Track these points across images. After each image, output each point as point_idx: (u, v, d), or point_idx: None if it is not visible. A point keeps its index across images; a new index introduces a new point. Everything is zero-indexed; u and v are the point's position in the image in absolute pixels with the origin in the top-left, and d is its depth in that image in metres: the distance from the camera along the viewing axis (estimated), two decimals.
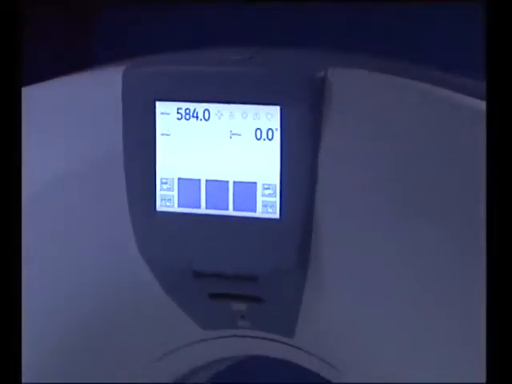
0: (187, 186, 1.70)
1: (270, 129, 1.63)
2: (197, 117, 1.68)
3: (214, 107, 1.67)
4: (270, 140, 1.64)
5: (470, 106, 1.63)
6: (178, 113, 1.69)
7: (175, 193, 1.71)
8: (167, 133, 1.70)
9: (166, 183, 1.71)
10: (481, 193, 1.58)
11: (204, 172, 1.70)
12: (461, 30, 3.63)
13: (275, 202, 1.64)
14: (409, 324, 1.66)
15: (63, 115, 1.85)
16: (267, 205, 1.66)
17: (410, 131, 1.63)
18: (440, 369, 1.70)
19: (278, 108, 1.61)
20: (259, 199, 1.66)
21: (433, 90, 1.64)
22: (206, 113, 1.68)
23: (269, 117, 1.63)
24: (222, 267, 1.72)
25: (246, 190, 1.67)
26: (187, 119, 1.69)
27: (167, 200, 1.72)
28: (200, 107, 1.68)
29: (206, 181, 1.69)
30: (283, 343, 1.78)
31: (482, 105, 1.61)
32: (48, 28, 3.47)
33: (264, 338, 1.81)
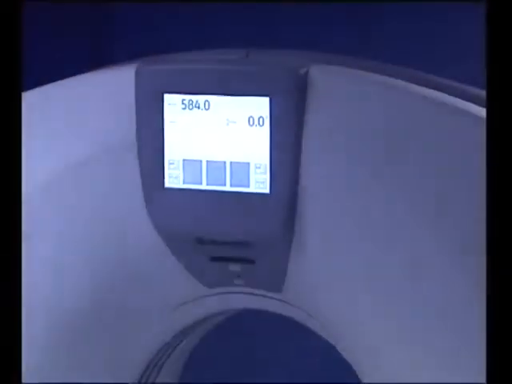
0: (191, 166, 1.81)
1: (261, 117, 1.74)
2: (199, 107, 1.79)
3: (213, 99, 1.78)
4: (260, 126, 1.75)
5: (433, 100, 1.74)
6: (182, 103, 1.80)
7: (180, 172, 1.82)
8: (174, 121, 1.81)
9: (172, 164, 1.82)
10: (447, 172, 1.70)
11: (205, 154, 1.80)
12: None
13: (266, 179, 1.75)
14: (382, 277, 1.75)
15: (85, 108, 1.94)
16: (259, 181, 1.77)
17: (379, 118, 1.74)
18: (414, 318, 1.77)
19: (267, 99, 1.72)
20: (252, 177, 1.77)
21: (400, 83, 1.76)
22: (207, 103, 1.79)
23: (260, 106, 1.74)
24: (220, 234, 1.84)
25: (241, 169, 1.79)
26: (190, 109, 1.80)
27: (174, 178, 1.83)
28: (201, 99, 1.78)
29: (207, 161, 1.80)
30: (272, 298, 1.89)
31: (444, 97, 1.75)
32: (73, 30, 3.57)
33: (256, 294, 1.92)
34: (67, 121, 1.96)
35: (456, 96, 1.82)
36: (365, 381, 1.90)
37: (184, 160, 1.82)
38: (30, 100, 2.04)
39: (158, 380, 2.24)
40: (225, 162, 1.80)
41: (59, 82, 2.03)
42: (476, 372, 1.68)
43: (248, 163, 1.78)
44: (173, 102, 1.81)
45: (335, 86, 1.76)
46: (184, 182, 1.83)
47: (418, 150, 1.75)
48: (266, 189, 1.77)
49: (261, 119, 1.76)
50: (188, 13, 3.31)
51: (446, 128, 1.75)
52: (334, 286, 1.80)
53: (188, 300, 1.99)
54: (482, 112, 1.78)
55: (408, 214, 1.74)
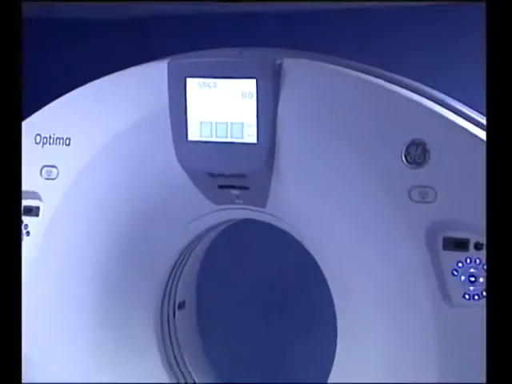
0: (204, 125, 2.11)
1: (250, 92, 2.04)
2: (209, 86, 2.09)
3: (219, 81, 2.08)
4: (250, 99, 2.05)
5: (368, 82, 2.01)
6: (198, 84, 2.09)
7: (198, 129, 2.11)
8: (193, 96, 2.10)
9: (192, 124, 2.11)
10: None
11: (214, 117, 2.09)
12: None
13: (254, 133, 2.05)
14: (333, 194, 2.02)
15: (136, 89, 2.21)
16: (249, 135, 2.06)
17: (330, 94, 2.02)
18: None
19: (254, 80, 2.03)
20: (245, 132, 2.07)
21: (347, 71, 2.03)
22: (215, 84, 2.08)
23: (249, 85, 2.04)
24: (224, 170, 2.12)
25: (237, 126, 2.08)
26: (204, 88, 2.09)
27: (194, 133, 2.12)
28: (211, 81, 2.08)
29: (216, 122, 2.09)
30: (259, 211, 2.19)
31: (378, 81, 2.01)
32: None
33: (249, 209, 2.21)
34: (126, 97, 2.22)
35: (401, 86, 2.03)
36: (324, 267, 2.13)
37: (201, 122, 2.11)
38: (104, 84, 2.27)
39: (183, 273, 2.46)
40: (227, 123, 2.09)
41: (123, 71, 2.25)
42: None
43: (242, 123, 2.07)
44: (192, 84, 2.10)
45: (300, 72, 2.04)
46: (200, 136, 2.12)
47: (356, 119, 1.99)
48: (254, 140, 2.06)
49: (250, 94, 2.06)
50: (199, 25, 3.49)
51: (375, 101, 2.00)
52: (300, 202, 2.09)
53: (204, 213, 2.26)
54: (411, 95, 1.99)
55: (349, 159, 1.99)
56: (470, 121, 2.00)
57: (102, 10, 3.77)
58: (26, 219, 2.36)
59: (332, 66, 2.06)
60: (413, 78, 2.10)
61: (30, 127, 2.37)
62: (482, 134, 1.96)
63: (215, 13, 3.57)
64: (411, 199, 1.93)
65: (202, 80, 2.11)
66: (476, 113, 2.04)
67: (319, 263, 2.15)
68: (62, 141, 2.31)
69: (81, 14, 3.98)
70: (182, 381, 2.38)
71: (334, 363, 2.15)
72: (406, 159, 1.95)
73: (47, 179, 2.32)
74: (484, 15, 1.43)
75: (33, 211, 2.35)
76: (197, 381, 2.43)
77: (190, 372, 2.43)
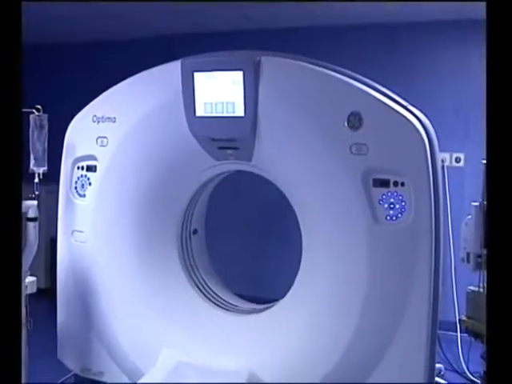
0: (208, 105, 2.21)
1: (239, 80, 2.15)
2: (211, 77, 2.20)
3: (217, 73, 2.19)
4: (239, 85, 2.16)
5: (326, 75, 2.09)
6: (203, 76, 2.20)
7: (203, 108, 2.22)
8: (199, 85, 2.21)
9: (199, 104, 2.22)
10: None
11: (214, 99, 2.19)
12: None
13: (242, 109, 2.16)
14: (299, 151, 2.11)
15: (156, 82, 2.31)
16: (239, 110, 2.17)
17: (299, 83, 2.11)
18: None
19: (241, 72, 2.15)
20: (236, 108, 2.17)
21: (313, 67, 2.12)
22: (214, 75, 2.19)
23: (238, 76, 2.16)
24: (222, 136, 2.23)
25: (231, 105, 2.17)
26: (207, 78, 2.21)
27: (200, 110, 2.22)
28: (211, 73, 2.20)
29: (215, 102, 2.18)
30: (247, 164, 2.29)
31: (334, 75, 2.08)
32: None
33: (239, 163, 2.30)
34: (152, 87, 2.31)
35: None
36: (292, 202, 2.21)
37: (204, 102, 2.22)
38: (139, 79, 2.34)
39: (195, 209, 2.55)
40: (223, 102, 2.19)
41: (150, 70, 2.34)
42: None
43: (233, 102, 2.18)
44: (198, 76, 2.21)
45: (273, 66, 2.14)
46: (205, 113, 2.22)
47: (314, 99, 2.09)
48: (242, 114, 2.17)
49: (238, 81, 2.16)
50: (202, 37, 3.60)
51: (327, 86, 2.11)
52: (275, 157, 2.18)
53: (209, 167, 2.36)
54: (352, 82, 2.08)
55: (308, 126, 2.09)
56: (393, 100, 2.09)
57: (127, 30, 3.83)
58: (88, 174, 2.46)
59: (297, 62, 2.15)
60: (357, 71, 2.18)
61: (88, 111, 2.49)
62: (400, 109, 2.04)
63: (218, 31, 3.67)
64: (351, 152, 2.05)
65: (205, 73, 2.21)
66: (399, 97, 2.12)
67: (288, 198, 2.25)
68: (109, 119, 2.42)
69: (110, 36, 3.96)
70: (196, 281, 2.47)
71: (300, 268, 2.24)
72: (348, 124, 2.06)
73: (101, 146, 2.42)
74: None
75: (92, 168, 2.46)
76: (206, 280, 2.53)
77: (201, 275, 2.53)
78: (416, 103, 2.16)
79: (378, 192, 2.04)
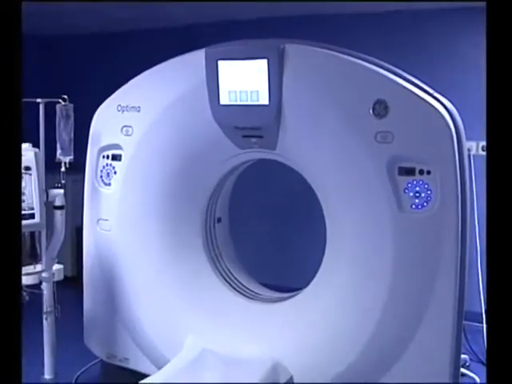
0: (232, 93, 2.20)
1: (264, 68, 2.14)
2: (235, 66, 2.18)
3: (241, 61, 2.17)
4: (263, 73, 2.14)
5: (353, 63, 2.07)
6: (227, 64, 2.19)
7: (227, 96, 2.21)
8: (223, 72, 2.20)
9: (223, 93, 2.20)
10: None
11: (238, 87, 2.18)
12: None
13: (266, 98, 2.15)
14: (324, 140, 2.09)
15: (182, 70, 2.30)
16: (263, 98, 2.16)
17: (321, 70, 2.10)
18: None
19: (266, 60, 2.13)
20: (260, 97, 2.16)
21: (338, 54, 2.09)
22: (238, 63, 2.17)
23: (262, 64, 2.14)
24: (246, 124, 2.22)
25: (255, 93, 2.15)
26: (231, 66, 2.19)
27: (224, 99, 2.21)
28: (236, 61, 2.18)
29: (240, 91, 2.18)
30: (271, 153, 2.28)
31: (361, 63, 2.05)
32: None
33: (263, 152, 2.30)
34: (177, 76, 2.31)
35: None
36: (316, 189, 2.19)
37: (229, 90, 2.21)
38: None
39: (219, 198, 2.54)
40: (247, 91, 2.18)
41: (174, 59, 2.34)
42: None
43: (258, 90, 2.17)
44: (222, 64, 2.20)
45: (297, 54, 2.12)
46: (229, 101, 2.21)
47: (339, 87, 2.07)
48: (267, 102, 2.16)
49: (263, 69, 2.14)
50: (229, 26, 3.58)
51: (352, 73, 2.08)
52: (299, 145, 2.17)
53: (233, 155, 2.36)
54: (379, 70, 2.05)
55: (333, 115, 2.07)
56: (419, 88, 2.05)
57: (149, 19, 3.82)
58: (113, 163, 2.48)
59: (322, 49, 2.13)
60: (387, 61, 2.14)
61: (113, 100, 2.50)
62: (426, 97, 2.01)
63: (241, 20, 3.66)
64: (376, 141, 2.02)
65: (229, 61, 2.20)
66: (425, 84, 2.08)
67: (312, 186, 2.24)
68: (134, 108, 2.42)
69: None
70: (220, 270, 2.48)
71: (324, 256, 2.23)
72: (373, 112, 2.03)
73: (126, 135, 2.44)
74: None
75: (117, 157, 2.47)
76: (230, 269, 2.53)
77: (225, 264, 2.54)
78: (443, 91, 2.12)
79: (404, 180, 2.02)
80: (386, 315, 2.03)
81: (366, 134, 2.04)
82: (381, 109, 2.03)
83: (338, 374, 2.10)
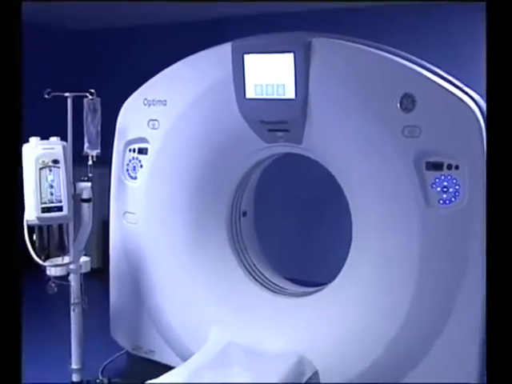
0: (258, 87, 2.20)
1: (290, 62, 2.13)
2: (261, 59, 2.18)
3: (268, 55, 2.17)
4: (289, 67, 2.13)
5: (381, 56, 2.05)
6: (253, 58, 2.19)
7: (253, 90, 2.21)
8: (249, 66, 2.20)
9: (249, 86, 2.21)
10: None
11: (264, 80, 2.19)
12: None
13: (293, 91, 2.14)
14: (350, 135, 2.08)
15: (210, 63, 2.30)
16: (289, 92, 2.15)
17: (347, 63, 2.08)
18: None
19: (292, 54, 2.12)
20: (286, 90, 2.15)
21: (364, 48, 2.08)
22: (265, 57, 2.18)
23: (289, 58, 2.13)
24: (272, 118, 2.22)
25: (281, 87, 2.16)
26: (257, 60, 2.19)
27: (250, 92, 2.22)
28: (262, 55, 2.18)
29: (266, 84, 2.18)
30: (297, 147, 2.28)
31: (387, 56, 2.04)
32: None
33: (289, 146, 2.29)
34: (203, 69, 2.31)
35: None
36: (342, 183, 2.18)
37: (255, 84, 2.21)
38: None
39: (245, 191, 2.55)
40: (273, 84, 2.18)
41: (200, 53, 2.35)
42: None
43: (284, 84, 2.16)
44: (249, 58, 2.20)
45: (324, 47, 2.12)
46: (255, 94, 2.21)
47: (366, 80, 2.05)
48: (293, 96, 2.15)
49: (289, 63, 2.13)
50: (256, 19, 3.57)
51: (379, 67, 2.06)
52: (326, 139, 2.16)
53: (258, 149, 2.36)
54: (406, 63, 2.04)
55: (360, 108, 2.06)
56: (448, 82, 2.04)
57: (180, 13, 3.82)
58: (139, 156, 2.49)
59: (348, 43, 2.12)
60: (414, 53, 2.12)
61: (140, 94, 2.51)
62: (455, 91, 2.00)
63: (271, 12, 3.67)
64: (404, 135, 2.00)
65: (255, 55, 2.20)
66: (453, 78, 2.07)
67: (338, 181, 2.23)
68: (160, 102, 2.43)
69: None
70: (245, 263, 2.49)
71: (350, 251, 2.22)
72: (400, 107, 2.01)
73: (152, 129, 2.45)
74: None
75: (143, 151, 2.49)
76: (255, 263, 2.54)
77: (250, 257, 2.54)
78: (473, 86, 2.10)
79: (431, 175, 2.00)
80: (412, 311, 2.01)
81: (393, 129, 2.02)
82: (408, 103, 2.01)
83: (364, 370, 2.09)
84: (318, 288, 2.38)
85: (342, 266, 2.26)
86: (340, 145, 2.14)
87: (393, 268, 2.05)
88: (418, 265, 2.00)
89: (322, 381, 2.16)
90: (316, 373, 2.16)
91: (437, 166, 2.00)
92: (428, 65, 2.09)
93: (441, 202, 1.99)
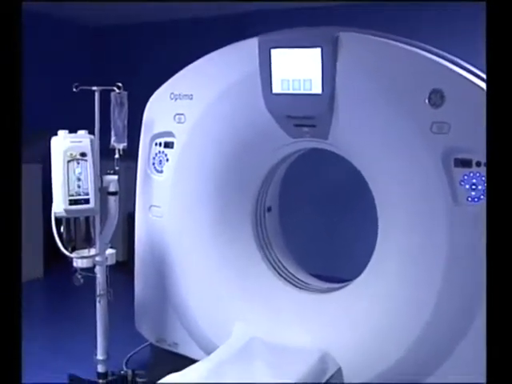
0: (284, 82, 2.19)
1: (317, 57, 2.12)
2: (288, 54, 2.17)
3: (295, 50, 2.16)
4: (317, 62, 2.12)
5: (407, 50, 2.03)
6: (280, 53, 2.18)
7: (280, 85, 2.19)
8: (276, 61, 2.19)
9: (276, 81, 2.19)
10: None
11: (291, 75, 2.17)
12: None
13: (319, 87, 2.13)
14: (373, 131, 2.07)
15: (235, 58, 2.29)
16: (316, 87, 2.14)
17: (374, 58, 2.06)
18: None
19: (319, 49, 2.11)
20: (313, 85, 2.14)
21: (392, 43, 2.06)
22: (291, 52, 2.16)
23: (316, 52, 2.12)
24: (298, 113, 2.20)
25: (307, 82, 2.15)
26: (283, 54, 2.17)
27: (276, 87, 2.20)
28: (289, 50, 2.17)
29: (292, 79, 2.16)
30: (323, 142, 2.27)
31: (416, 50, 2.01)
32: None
33: (315, 141, 2.28)
34: (229, 64, 2.31)
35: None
36: (368, 179, 2.17)
37: (281, 79, 2.20)
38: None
39: (270, 187, 2.55)
40: (300, 79, 2.17)
41: (227, 47, 2.35)
42: None
43: (311, 79, 2.14)
44: (275, 53, 2.19)
45: (352, 42, 2.10)
46: (282, 89, 2.20)
47: (394, 76, 2.04)
48: (319, 91, 2.14)
49: (316, 58, 2.12)
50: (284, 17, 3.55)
51: (408, 62, 2.03)
52: (352, 135, 2.15)
53: (284, 144, 2.35)
54: (435, 58, 2.00)
55: (389, 104, 2.03)
56: (478, 77, 1.99)
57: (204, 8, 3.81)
58: (166, 150, 2.50)
59: (376, 38, 2.10)
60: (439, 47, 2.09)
61: (166, 89, 2.52)
62: (484, 86, 1.94)
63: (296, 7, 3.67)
64: (432, 131, 1.98)
65: (282, 50, 2.18)
66: (482, 73, 2.00)
67: (365, 176, 2.21)
68: (187, 96, 2.44)
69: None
70: (270, 259, 2.49)
71: (376, 248, 2.20)
72: (429, 102, 1.99)
73: (178, 123, 2.46)
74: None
75: (170, 145, 2.50)
76: (280, 258, 2.53)
77: (275, 253, 2.55)
78: None
79: (460, 172, 1.97)
80: (438, 310, 1.99)
81: (422, 125, 1.99)
82: (437, 98, 1.99)
83: (387, 369, 2.07)
84: (342, 284, 2.37)
85: (368, 262, 2.24)
86: (367, 140, 2.12)
87: (419, 265, 2.03)
88: (444, 262, 1.98)
89: (344, 378, 2.14)
90: (339, 370, 2.15)
91: (465, 163, 1.97)
92: (457, 59, 2.07)
93: (469, 199, 1.97)
